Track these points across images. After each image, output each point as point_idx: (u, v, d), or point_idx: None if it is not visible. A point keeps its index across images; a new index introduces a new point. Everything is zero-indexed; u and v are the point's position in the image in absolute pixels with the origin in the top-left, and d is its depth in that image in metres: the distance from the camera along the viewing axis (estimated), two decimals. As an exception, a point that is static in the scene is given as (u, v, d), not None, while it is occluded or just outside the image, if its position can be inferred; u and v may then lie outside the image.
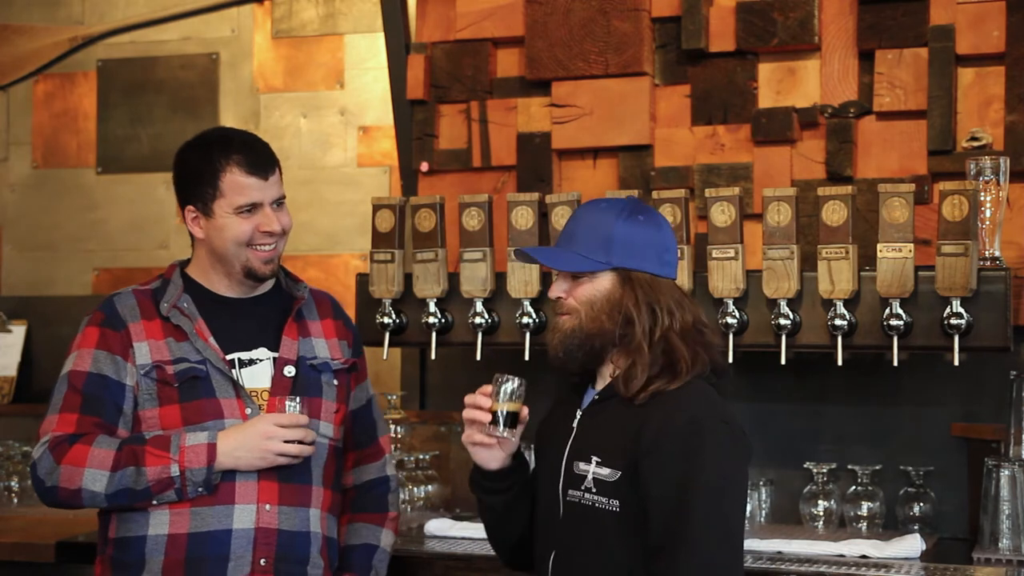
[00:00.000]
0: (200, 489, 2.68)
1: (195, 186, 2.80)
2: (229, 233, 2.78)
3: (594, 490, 2.46)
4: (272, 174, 2.80)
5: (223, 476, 2.72)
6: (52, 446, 2.70)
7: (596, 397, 2.54)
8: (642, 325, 2.48)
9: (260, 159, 2.79)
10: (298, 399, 2.75)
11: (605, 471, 2.45)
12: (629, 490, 2.42)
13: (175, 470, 2.65)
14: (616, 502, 2.43)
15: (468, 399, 2.56)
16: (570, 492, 2.51)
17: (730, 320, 3.35)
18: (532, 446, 2.71)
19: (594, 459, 2.47)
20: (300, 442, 2.73)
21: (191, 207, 2.81)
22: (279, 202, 2.82)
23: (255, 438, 2.68)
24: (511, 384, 2.53)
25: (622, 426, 2.46)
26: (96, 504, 2.71)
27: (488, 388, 2.54)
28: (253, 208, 2.77)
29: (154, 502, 2.69)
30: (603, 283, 2.51)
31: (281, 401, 2.76)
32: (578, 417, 2.56)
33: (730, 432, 2.44)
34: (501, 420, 2.52)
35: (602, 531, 2.45)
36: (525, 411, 2.57)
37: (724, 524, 2.39)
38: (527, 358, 3.50)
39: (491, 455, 2.60)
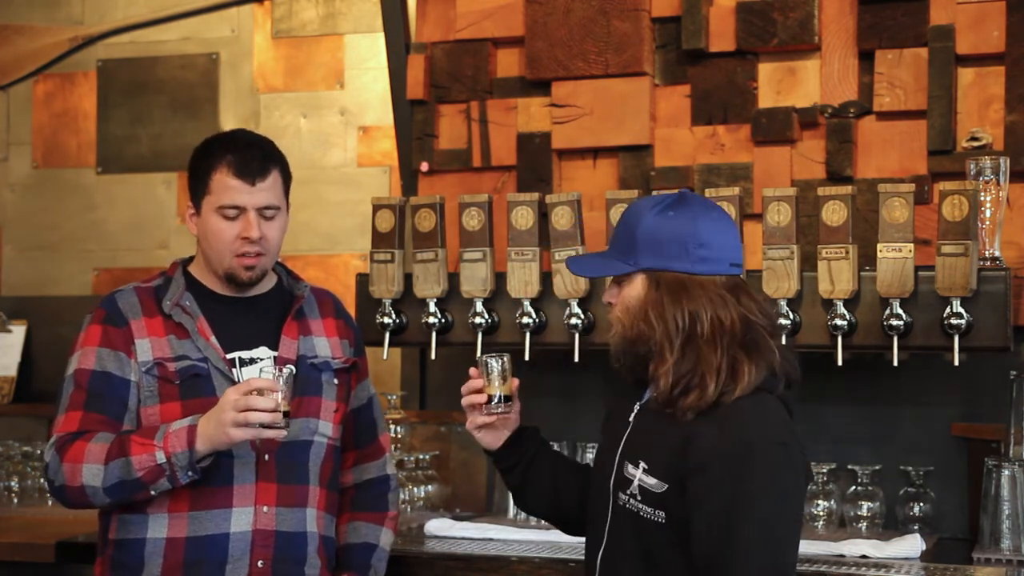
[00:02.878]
0: (189, 473, 2.62)
1: (193, 182, 2.82)
2: (212, 233, 2.78)
3: (639, 498, 2.36)
4: (261, 180, 2.76)
5: (222, 479, 2.71)
6: (58, 446, 2.70)
7: (651, 399, 2.41)
8: (661, 331, 2.33)
9: (251, 164, 2.76)
10: (270, 362, 2.70)
11: (651, 481, 2.34)
12: (677, 503, 2.30)
13: (160, 457, 2.61)
14: (662, 514, 2.32)
15: (464, 388, 2.61)
16: (619, 494, 2.41)
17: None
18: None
19: (642, 464, 2.36)
20: (264, 425, 2.58)
21: (190, 203, 2.83)
22: (267, 211, 2.78)
23: (216, 412, 2.59)
24: (495, 362, 2.59)
25: (673, 435, 2.32)
26: (100, 500, 2.68)
27: (475, 371, 2.61)
28: (236, 211, 2.76)
29: (152, 492, 2.66)
30: (636, 287, 2.38)
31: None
32: (635, 411, 2.45)
33: (787, 455, 2.28)
34: (495, 399, 2.60)
35: (648, 540, 2.35)
36: (515, 383, 2.62)
37: (774, 556, 2.24)
38: (527, 358, 3.50)
39: (494, 436, 2.65)
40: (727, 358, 2.32)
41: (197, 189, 2.80)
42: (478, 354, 3.54)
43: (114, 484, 2.64)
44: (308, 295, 2.94)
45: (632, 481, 2.37)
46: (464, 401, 2.61)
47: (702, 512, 2.27)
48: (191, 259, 2.91)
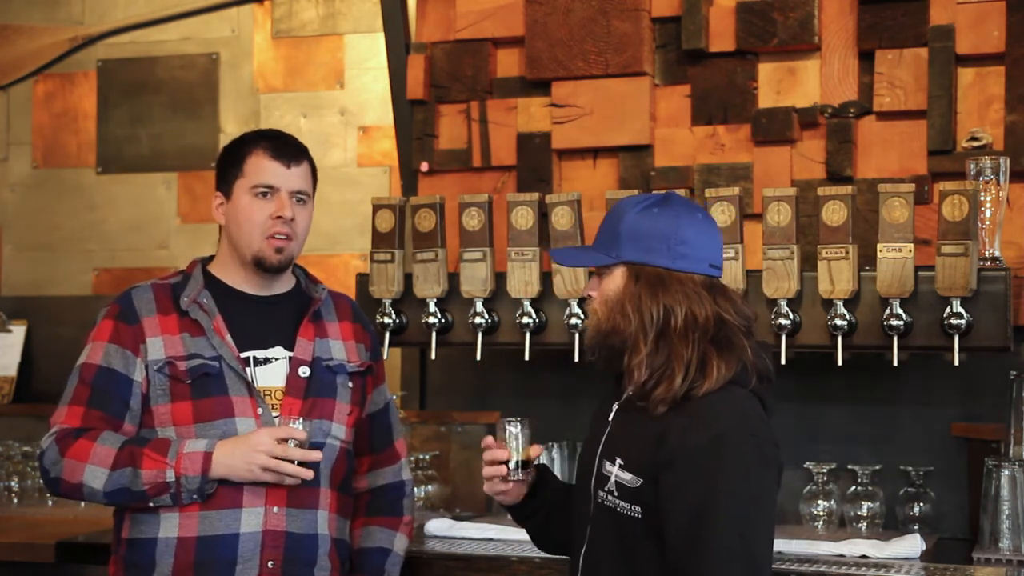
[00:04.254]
0: (194, 496, 2.69)
1: (224, 171, 2.86)
2: (243, 214, 2.80)
3: (616, 494, 2.38)
4: (296, 165, 2.83)
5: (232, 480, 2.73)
6: (59, 438, 2.73)
7: (628, 394, 2.45)
8: (637, 323, 2.37)
9: (286, 148, 2.84)
10: (301, 420, 2.72)
11: (627, 476, 2.37)
12: (651, 498, 2.33)
13: (170, 475, 2.66)
14: (638, 509, 2.34)
15: (486, 456, 2.59)
16: (599, 492, 2.43)
17: (730, 320, 3.35)
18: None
19: (618, 460, 2.39)
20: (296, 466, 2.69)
21: (218, 193, 2.87)
22: (300, 197, 2.83)
23: (247, 449, 2.67)
24: (516, 429, 2.57)
25: (647, 430, 2.35)
26: (95, 500, 2.73)
27: (491, 441, 2.59)
28: (270, 192, 2.80)
29: (151, 504, 2.70)
30: (616, 279, 2.41)
31: (290, 415, 2.75)
32: (613, 412, 2.49)
33: (758, 448, 2.30)
34: (517, 466, 2.58)
35: (626, 536, 2.37)
36: (535, 450, 2.61)
37: (745, 552, 2.25)
38: (527, 358, 3.50)
39: (514, 495, 2.64)
40: (697, 353, 2.35)
41: (228, 175, 2.84)
42: (478, 355, 3.55)
43: (116, 490, 2.69)
44: (325, 298, 2.95)
45: (609, 478, 2.40)
46: (485, 472, 2.60)
47: (674, 506, 2.29)
48: (211, 258, 2.92)
